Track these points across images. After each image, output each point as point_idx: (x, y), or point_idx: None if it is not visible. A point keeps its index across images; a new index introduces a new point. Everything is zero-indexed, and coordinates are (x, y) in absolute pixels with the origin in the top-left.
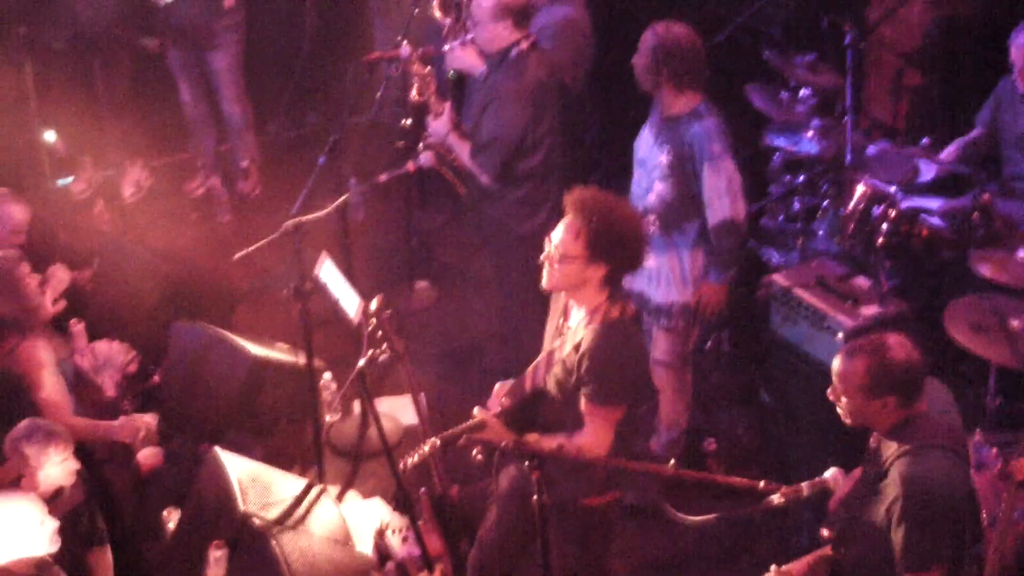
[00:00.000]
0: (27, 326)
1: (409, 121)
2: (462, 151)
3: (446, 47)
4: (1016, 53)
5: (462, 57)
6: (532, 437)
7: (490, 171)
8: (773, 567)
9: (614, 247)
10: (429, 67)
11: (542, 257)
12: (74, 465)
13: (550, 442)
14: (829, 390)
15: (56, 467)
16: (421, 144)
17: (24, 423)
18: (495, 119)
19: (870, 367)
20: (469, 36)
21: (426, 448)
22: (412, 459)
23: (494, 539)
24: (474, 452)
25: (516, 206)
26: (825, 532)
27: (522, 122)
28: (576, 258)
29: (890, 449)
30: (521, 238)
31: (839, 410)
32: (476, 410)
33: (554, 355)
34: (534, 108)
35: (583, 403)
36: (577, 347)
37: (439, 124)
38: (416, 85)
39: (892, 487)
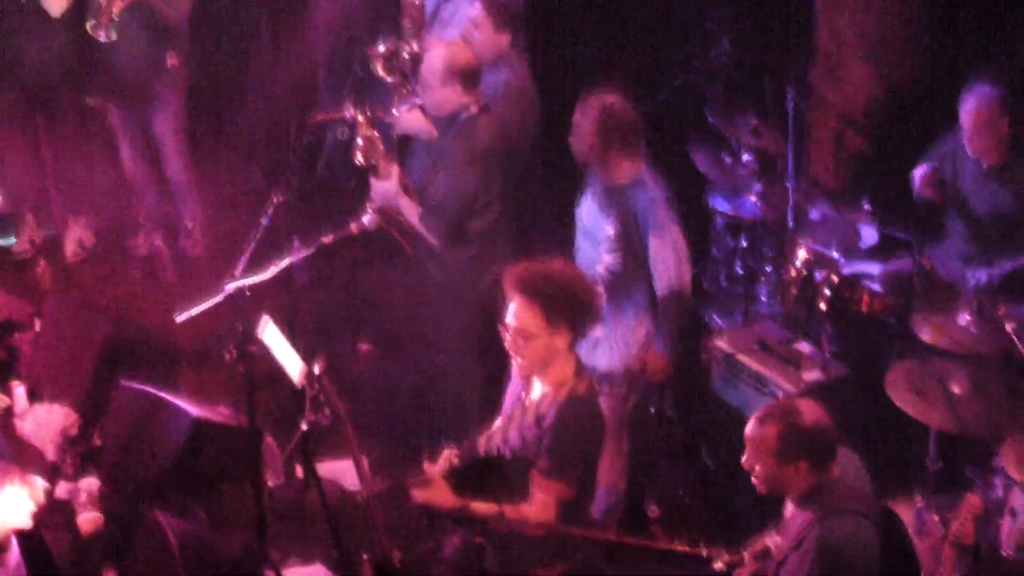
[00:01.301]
0: None
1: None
2: (411, 213)
3: (395, 111)
4: (965, 117)
5: (412, 122)
6: (480, 505)
7: (440, 233)
8: None
9: (571, 310)
10: (374, 131)
11: (506, 346)
12: (29, 506)
13: (493, 509)
14: (743, 458)
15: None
16: (367, 205)
17: None
18: (446, 182)
19: (781, 432)
20: (418, 100)
21: (375, 488)
22: (362, 494)
23: None
24: (420, 515)
25: (464, 268)
26: None
27: (473, 185)
28: (538, 334)
29: (804, 516)
30: (468, 299)
31: (753, 479)
32: (425, 465)
33: (513, 424)
34: (484, 170)
35: (535, 475)
36: (540, 420)
37: (387, 185)
38: (363, 148)
39: (811, 551)
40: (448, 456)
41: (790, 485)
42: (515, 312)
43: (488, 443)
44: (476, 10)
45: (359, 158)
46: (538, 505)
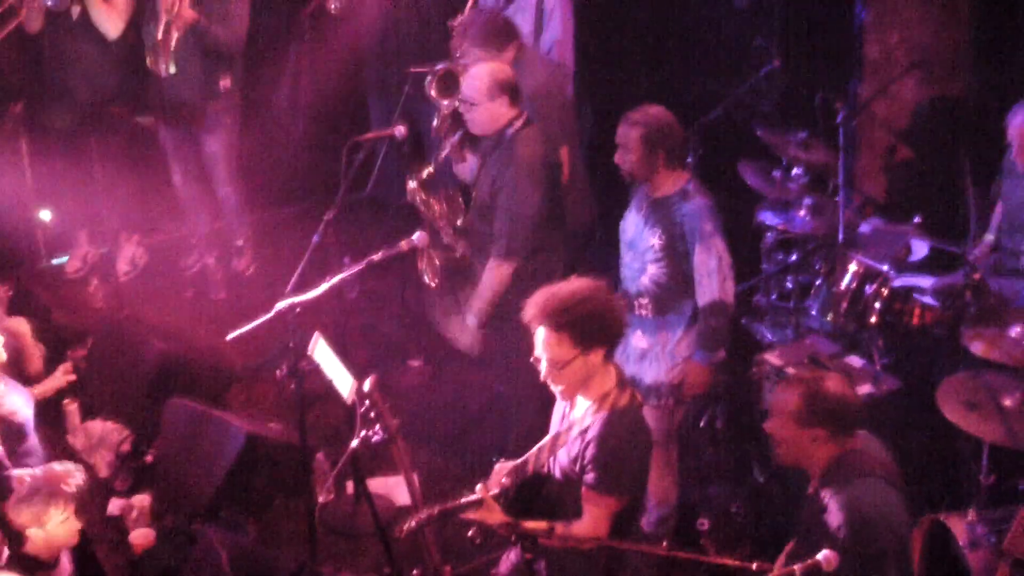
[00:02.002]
0: None
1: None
2: (483, 291)
3: (436, 163)
4: (1013, 133)
5: (466, 169)
6: (531, 523)
7: (516, 253)
8: None
9: (598, 327)
10: (422, 192)
11: (543, 378)
12: (76, 525)
13: (544, 526)
14: (765, 423)
15: (59, 527)
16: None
17: (22, 488)
18: (510, 202)
19: (802, 395)
20: (457, 136)
21: (424, 515)
22: (410, 524)
23: None
24: (470, 532)
25: (524, 282)
26: None
27: (535, 200)
28: (571, 359)
29: (826, 486)
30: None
31: (774, 449)
32: (479, 487)
33: (559, 440)
34: (542, 183)
35: (584, 490)
36: (584, 433)
37: (464, 334)
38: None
39: (834, 520)
40: (500, 471)
41: (809, 455)
42: (544, 344)
43: (537, 461)
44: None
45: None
46: (589, 520)
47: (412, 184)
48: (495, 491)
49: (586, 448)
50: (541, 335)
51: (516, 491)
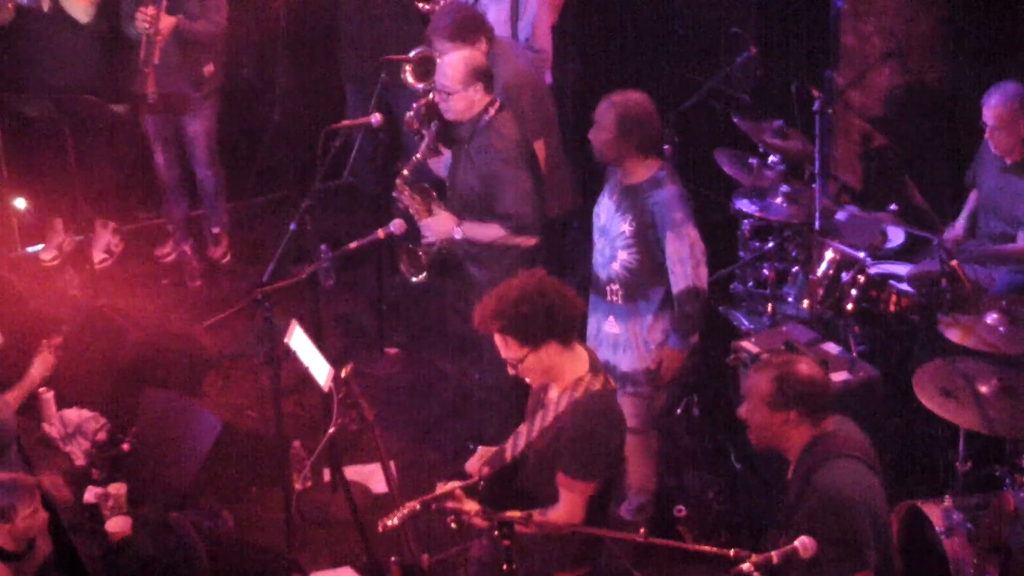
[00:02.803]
0: None
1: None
2: (488, 232)
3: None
4: (988, 114)
5: (436, 228)
6: (508, 512)
7: (535, 228)
8: None
9: (539, 326)
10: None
11: (510, 372)
12: (43, 515)
13: (521, 514)
14: (739, 408)
15: (25, 520)
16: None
17: None
18: (509, 183)
19: (774, 379)
20: (434, 127)
21: (404, 511)
22: (392, 521)
23: None
24: (448, 519)
25: (508, 268)
26: None
27: (529, 174)
28: (524, 356)
29: (801, 470)
30: None
31: (748, 433)
32: (441, 482)
33: (534, 426)
34: (528, 161)
35: (559, 476)
36: (558, 419)
37: (441, 224)
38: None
39: (810, 502)
40: (481, 456)
41: (783, 438)
42: (498, 346)
43: (514, 448)
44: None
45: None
46: (565, 505)
47: (399, 181)
48: (474, 479)
49: (560, 434)
50: (495, 339)
51: (494, 478)
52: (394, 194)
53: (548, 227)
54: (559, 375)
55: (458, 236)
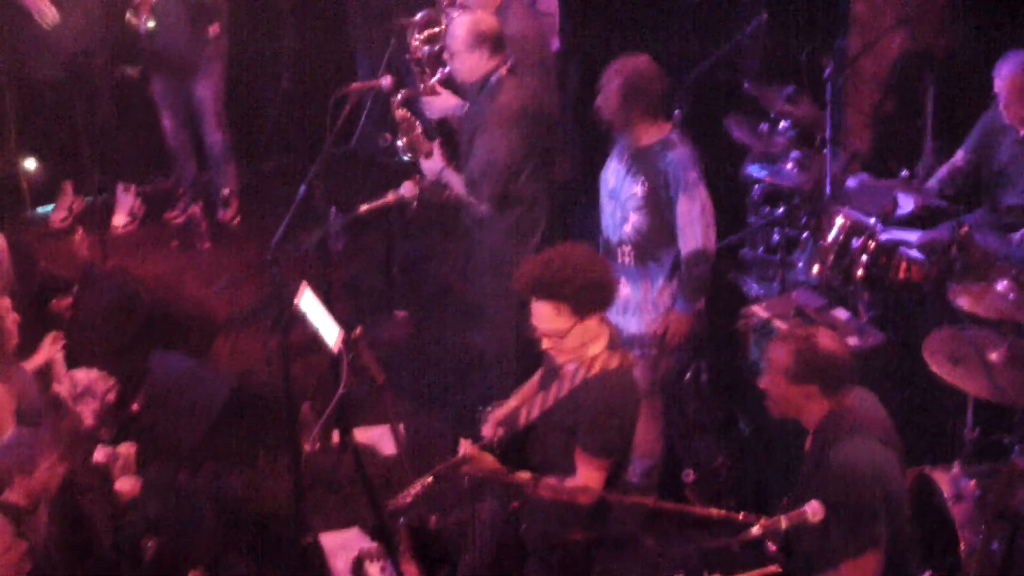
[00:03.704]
0: None
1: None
2: (457, 184)
3: (423, 88)
4: (1000, 84)
5: (438, 105)
6: (523, 475)
7: (488, 198)
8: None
9: (592, 293)
10: (405, 111)
11: (543, 347)
12: (61, 471)
13: (532, 477)
14: (761, 378)
15: (45, 473)
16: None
17: (7, 436)
18: (485, 147)
19: (796, 352)
20: (435, 79)
21: (419, 487)
22: (406, 497)
23: (474, 570)
24: (463, 478)
25: (508, 233)
26: (771, 545)
27: (509, 146)
28: (568, 328)
29: (818, 443)
30: (514, 265)
31: (767, 401)
32: (462, 442)
33: (551, 396)
34: (518, 131)
35: (577, 451)
36: (575, 393)
37: (431, 163)
38: (400, 128)
39: (824, 476)
40: (494, 416)
41: (802, 410)
42: (539, 316)
43: (528, 412)
44: None
45: (401, 145)
46: (582, 480)
47: (393, 100)
48: (487, 439)
49: (575, 410)
50: (537, 307)
51: (508, 442)
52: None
53: (553, 193)
54: (586, 349)
55: (438, 163)
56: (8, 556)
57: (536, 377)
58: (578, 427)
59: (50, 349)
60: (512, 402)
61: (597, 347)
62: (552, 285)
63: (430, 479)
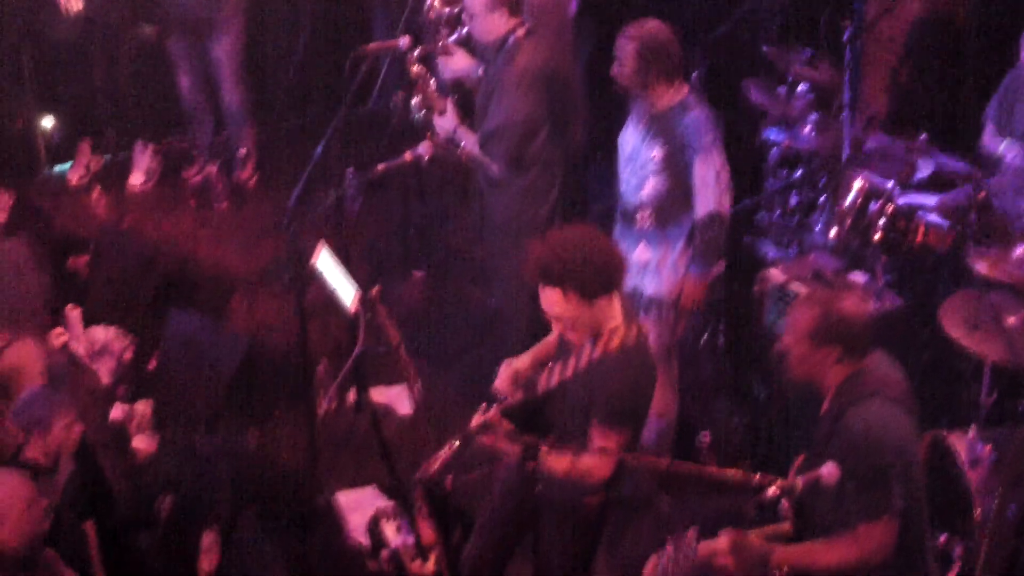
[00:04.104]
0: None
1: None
2: (471, 143)
3: (440, 48)
4: None
5: (453, 65)
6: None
7: (500, 159)
8: (728, 529)
9: (602, 277)
10: (421, 67)
11: (556, 330)
12: (78, 429)
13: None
14: (782, 339)
15: (62, 431)
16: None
17: (25, 394)
18: (499, 107)
19: (818, 315)
20: (452, 39)
21: (444, 456)
22: (432, 469)
23: (489, 530)
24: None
25: (522, 195)
26: (784, 504)
27: (526, 107)
28: (579, 314)
29: (836, 406)
30: (528, 226)
31: (788, 363)
32: (483, 408)
33: (569, 368)
34: (535, 93)
35: (594, 426)
36: (592, 367)
37: (444, 121)
38: (415, 86)
39: (842, 438)
40: (507, 373)
41: (821, 372)
42: (548, 301)
43: (547, 379)
44: None
45: (416, 103)
46: (597, 452)
47: (410, 56)
48: (507, 402)
49: (592, 384)
50: (545, 293)
51: (527, 407)
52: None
53: (568, 156)
54: (600, 326)
55: (451, 120)
56: (29, 513)
57: (552, 337)
58: (595, 401)
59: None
60: (527, 358)
61: (613, 322)
62: (559, 271)
63: (456, 444)
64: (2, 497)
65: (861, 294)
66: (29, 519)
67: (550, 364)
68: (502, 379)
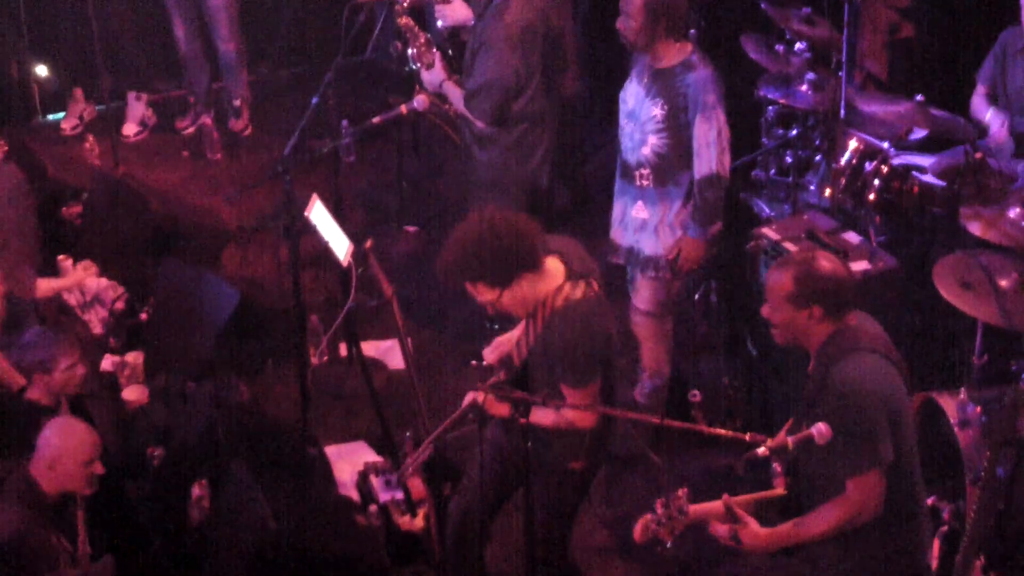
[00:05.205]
0: None
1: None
2: (456, 98)
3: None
4: None
5: (450, 13)
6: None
7: (485, 115)
8: (725, 496)
9: (506, 265)
10: (408, 19)
11: (490, 313)
12: (81, 370)
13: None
14: (762, 307)
15: (64, 373)
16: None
17: (29, 332)
18: (486, 63)
19: (797, 276)
20: None
21: (432, 441)
22: (422, 455)
23: (477, 486)
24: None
25: (509, 151)
26: (777, 467)
27: (513, 65)
28: (499, 297)
29: (822, 364)
30: (514, 182)
31: (772, 330)
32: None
33: (532, 334)
34: (523, 49)
35: (564, 388)
36: (545, 328)
37: (432, 74)
38: (403, 35)
39: (828, 395)
40: (495, 347)
41: (806, 333)
42: (470, 295)
43: (520, 352)
44: None
45: (411, 54)
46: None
47: (404, 4)
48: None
49: (547, 346)
50: (466, 291)
51: (510, 383)
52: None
53: (559, 111)
54: (538, 298)
55: (439, 74)
56: (83, 470)
57: None
58: (554, 362)
59: (81, 275)
60: (515, 333)
61: (556, 282)
62: (455, 274)
63: (442, 430)
64: (65, 445)
65: (849, 255)
66: (78, 475)
67: (519, 339)
68: (491, 351)
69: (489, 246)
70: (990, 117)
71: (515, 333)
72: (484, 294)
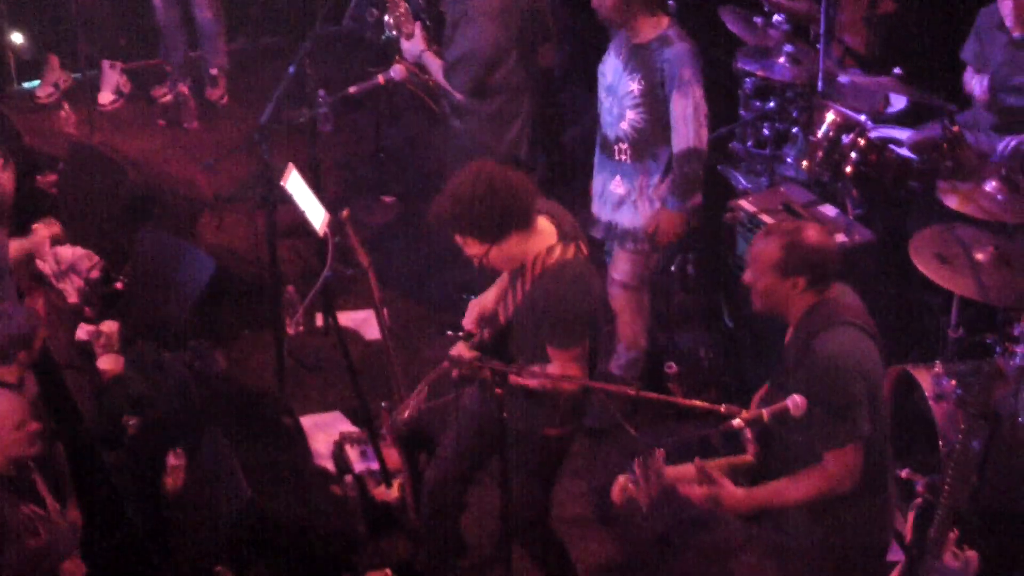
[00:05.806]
0: None
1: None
2: (435, 69)
3: None
4: None
5: None
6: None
7: (464, 87)
8: (696, 459)
9: (497, 220)
10: None
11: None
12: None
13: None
14: (744, 274)
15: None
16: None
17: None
18: (466, 34)
19: (783, 245)
20: None
21: (414, 401)
22: (405, 415)
23: (453, 456)
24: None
25: (487, 122)
26: (748, 434)
27: (492, 38)
28: (487, 252)
29: (801, 335)
30: (493, 153)
31: (752, 296)
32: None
33: (519, 292)
34: (501, 22)
35: (549, 350)
36: (533, 286)
37: (411, 44)
38: (388, 6)
39: (808, 366)
40: (473, 311)
41: (787, 302)
42: (459, 245)
43: (504, 309)
44: None
45: (389, 22)
46: (558, 371)
47: None
48: (475, 339)
49: (534, 305)
50: (455, 238)
51: (491, 341)
52: None
53: (538, 81)
54: (528, 253)
55: (418, 45)
56: (17, 434)
57: None
58: (541, 322)
59: (45, 232)
60: (492, 292)
61: (547, 242)
62: (449, 221)
63: (425, 390)
64: None
65: (828, 226)
66: (16, 440)
67: (506, 295)
68: (470, 318)
69: (483, 202)
70: (974, 82)
71: (491, 293)
72: (472, 247)
